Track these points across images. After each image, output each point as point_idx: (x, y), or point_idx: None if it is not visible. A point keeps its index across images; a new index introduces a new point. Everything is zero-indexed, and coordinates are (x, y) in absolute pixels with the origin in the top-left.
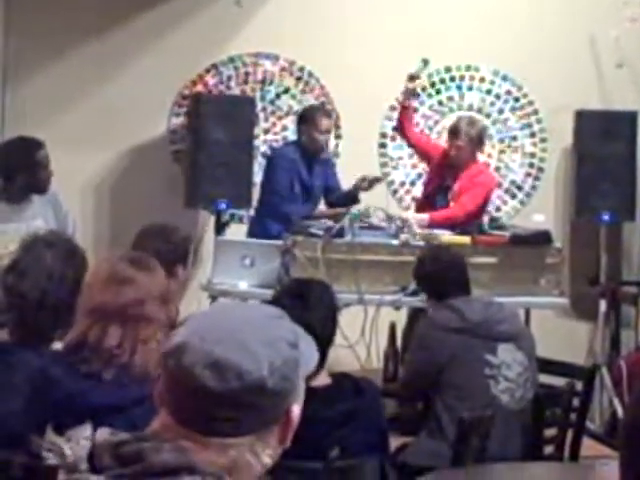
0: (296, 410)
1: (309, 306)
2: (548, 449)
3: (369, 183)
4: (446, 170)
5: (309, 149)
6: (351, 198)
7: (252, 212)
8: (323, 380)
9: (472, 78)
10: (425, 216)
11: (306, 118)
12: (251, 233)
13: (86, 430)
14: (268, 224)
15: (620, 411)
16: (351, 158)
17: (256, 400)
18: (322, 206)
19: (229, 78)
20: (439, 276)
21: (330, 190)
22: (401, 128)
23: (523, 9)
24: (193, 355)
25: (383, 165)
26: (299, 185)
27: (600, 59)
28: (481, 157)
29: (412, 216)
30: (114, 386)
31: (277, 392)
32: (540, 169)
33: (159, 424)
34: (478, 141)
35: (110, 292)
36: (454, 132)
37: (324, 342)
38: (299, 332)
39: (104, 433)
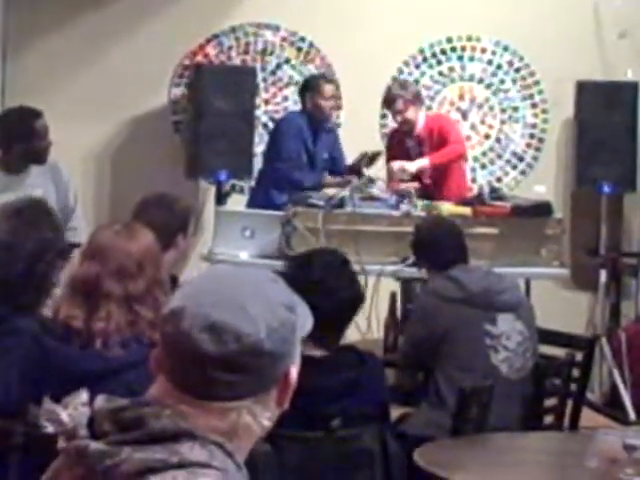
0: (293, 372)
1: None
2: (548, 419)
3: (370, 159)
4: (403, 138)
5: (315, 117)
6: (355, 173)
7: (252, 183)
8: (326, 350)
9: (473, 49)
10: (425, 161)
11: (310, 86)
12: (252, 203)
13: (82, 396)
14: (272, 194)
15: (620, 382)
16: (352, 129)
17: (254, 362)
18: (328, 177)
19: (230, 48)
20: (436, 247)
21: (335, 161)
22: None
23: None
24: (190, 319)
25: (384, 136)
26: (305, 154)
27: (602, 29)
28: (482, 128)
29: (409, 165)
30: (108, 351)
31: (275, 354)
32: (541, 140)
33: (158, 390)
34: (416, 99)
35: (82, 265)
36: (389, 101)
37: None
38: (294, 295)
39: (102, 399)
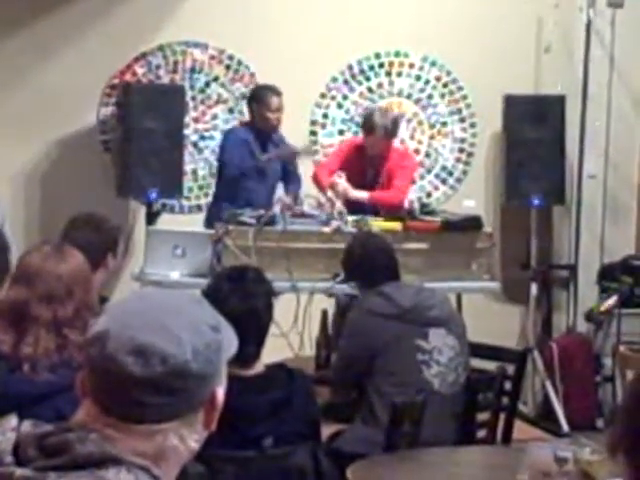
0: (220, 393)
1: (250, 293)
2: (481, 433)
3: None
4: (366, 163)
5: (262, 128)
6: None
7: (182, 201)
8: (257, 369)
9: (401, 64)
10: (364, 194)
11: (256, 98)
12: (208, 219)
13: (12, 421)
14: (225, 207)
15: (552, 394)
16: None
17: (181, 384)
18: (280, 190)
19: (158, 67)
20: (368, 264)
21: (289, 174)
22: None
23: None
24: (115, 342)
25: (314, 153)
26: (252, 166)
27: (529, 44)
28: (412, 144)
29: (351, 191)
30: (36, 376)
31: (201, 375)
32: (470, 154)
33: (84, 414)
34: (393, 130)
35: (11, 289)
36: (369, 128)
37: (265, 328)
38: (219, 317)
39: (28, 425)
